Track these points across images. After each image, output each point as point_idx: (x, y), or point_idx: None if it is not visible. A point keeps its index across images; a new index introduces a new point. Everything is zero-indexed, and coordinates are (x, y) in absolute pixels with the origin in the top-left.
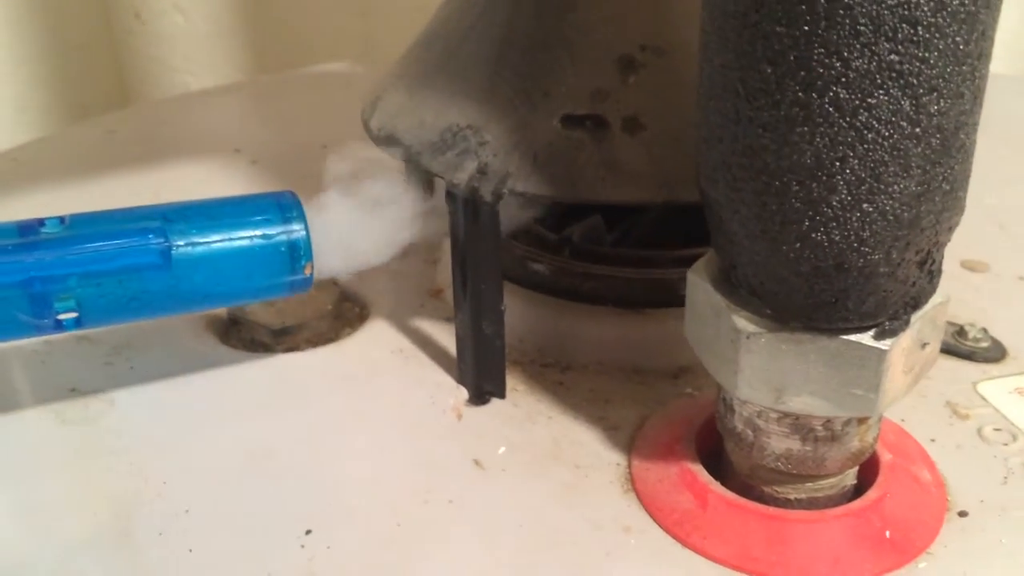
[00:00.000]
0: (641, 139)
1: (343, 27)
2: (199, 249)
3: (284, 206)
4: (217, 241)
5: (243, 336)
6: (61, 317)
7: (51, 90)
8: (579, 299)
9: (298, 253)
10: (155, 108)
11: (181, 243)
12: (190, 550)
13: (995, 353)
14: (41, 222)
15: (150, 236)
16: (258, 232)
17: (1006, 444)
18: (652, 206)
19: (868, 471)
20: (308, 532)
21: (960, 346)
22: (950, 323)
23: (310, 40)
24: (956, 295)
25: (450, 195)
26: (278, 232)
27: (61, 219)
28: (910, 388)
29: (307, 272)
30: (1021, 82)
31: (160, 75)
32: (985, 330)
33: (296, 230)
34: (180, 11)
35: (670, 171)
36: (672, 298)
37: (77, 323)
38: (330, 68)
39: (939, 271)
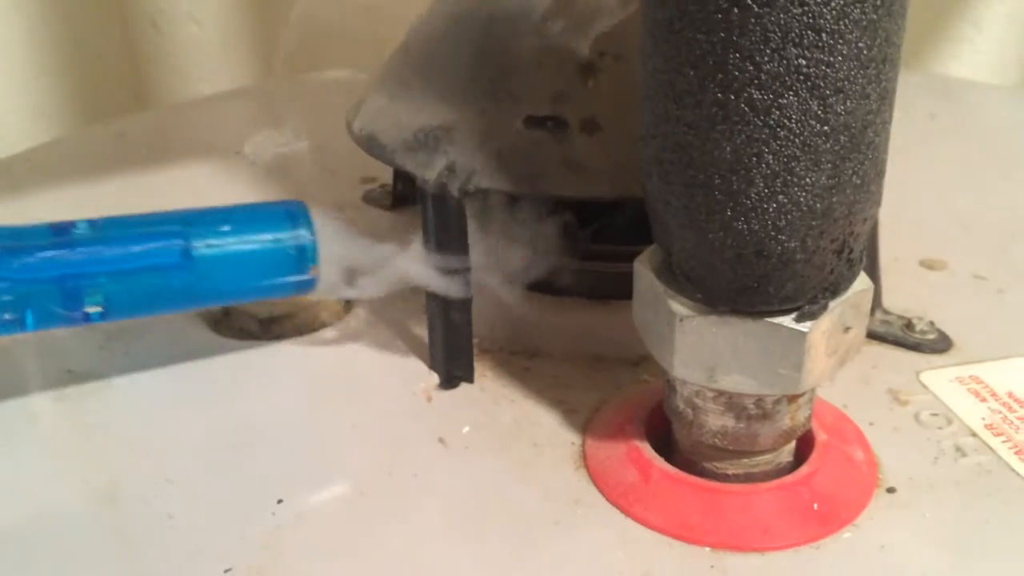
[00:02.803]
0: (598, 139)
1: (354, 36)
2: (216, 250)
3: (293, 214)
4: (233, 244)
5: (233, 325)
6: (89, 310)
7: (69, 98)
8: (547, 291)
9: (305, 256)
10: (163, 112)
11: (200, 245)
12: (170, 516)
13: (941, 345)
14: (73, 224)
15: (173, 238)
16: (270, 236)
17: (940, 428)
18: (616, 203)
19: (804, 450)
20: (279, 501)
21: (907, 337)
22: (899, 316)
23: (321, 49)
24: (910, 291)
25: (421, 191)
26: (288, 237)
27: (91, 222)
28: (835, 370)
29: (312, 274)
30: (1006, 92)
31: (176, 83)
32: (932, 323)
33: (304, 235)
34: (195, 21)
35: (625, 169)
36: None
37: (103, 316)
38: (334, 75)
39: (859, 260)
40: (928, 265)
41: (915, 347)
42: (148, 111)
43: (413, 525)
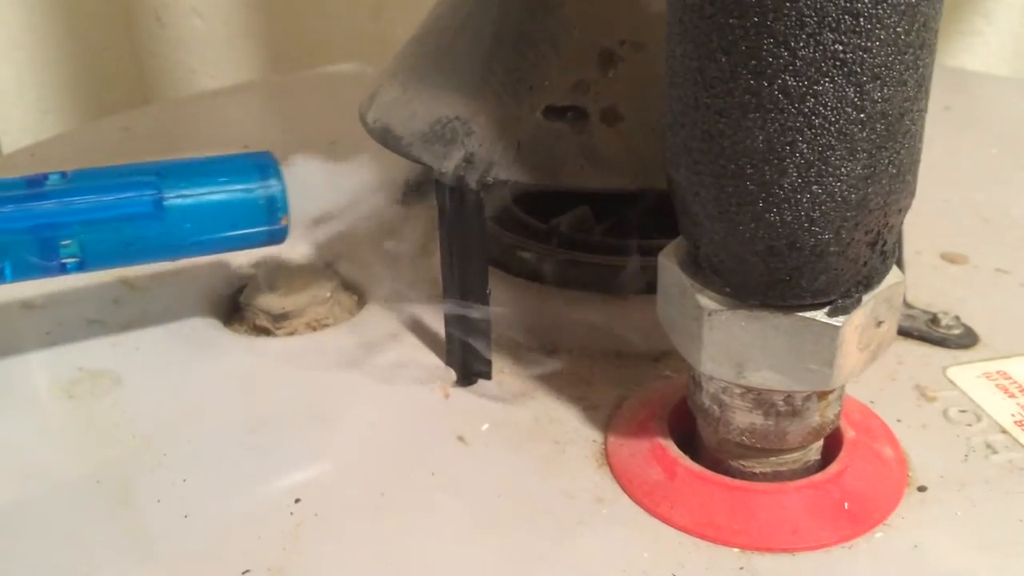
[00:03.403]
0: (619, 129)
1: (356, 30)
2: (188, 200)
3: (262, 165)
4: (204, 194)
5: (245, 320)
6: (65, 260)
7: (74, 92)
8: (565, 286)
9: (275, 206)
10: (169, 106)
11: (172, 195)
12: (185, 516)
13: (967, 340)
14: (45, 176)
15: (145, 188)
16: (240, 187)
17: (970, 425)
18: (633, 196)
19: (832, 448)
20: (297, 500)
21: (933, 333)
22: (924, 311)
23: (324, 43)
24: (933, 285)
25: (438, 183)
26: (257, 187)
27: (63, 174)
28: (867, 365)
29: (283, 223)
30: (1020, 84)
31: (179, 77)
32: (958, 318)
33: (273, 185)
34: (199, 15)
35: (646, 159)
36: (653, 285)
37: (79, 266)
38: (340, 69)
39: (892, 253)
40: (950, 259)
41: (940, 342)
42: (154, 105)
43: (435, 524)
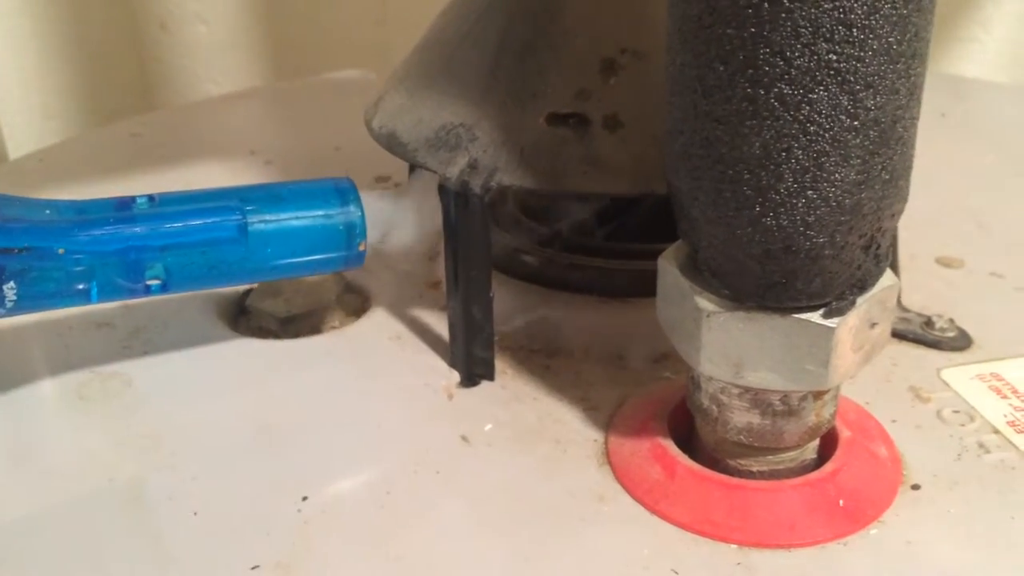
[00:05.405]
0: (620, 136)
1: (361, 36)
2: (271, 226)
3: (343, 191)
4: (286, 219)
5: (251, 324)
6: (149, 282)
7: (78, 98)
8: (566, 289)
9: (354, 232)
10: (176, 112)
11: (255, 220)
12: (195, 513)
13: (961, 342)
14: (133, 199)
15: (230, 213)
16: (321, 212)
17: (963, 425)
18: (635, 201)
19: (828, 447)
20: (305, 498)
21: (927, 335)
22: (919, 314)
23: (329, 49)
24: (928, 289)
25: (443, 188)
26: (338, 213)
27: (150, 197)
28: (861, 366)
29: (361, 248)
30: (1017, 91)
31: (184, 83)
32: (952, 321)
33: (353, 212)
34: (203, 21)
35: (647, 165)
36: (654, 289)
37: (162, 288)
38: (345, 75)
39: (885, 256)
40: (945, 263)
41: (935, 345)
42: (161, 111)
43: (440, 522)
